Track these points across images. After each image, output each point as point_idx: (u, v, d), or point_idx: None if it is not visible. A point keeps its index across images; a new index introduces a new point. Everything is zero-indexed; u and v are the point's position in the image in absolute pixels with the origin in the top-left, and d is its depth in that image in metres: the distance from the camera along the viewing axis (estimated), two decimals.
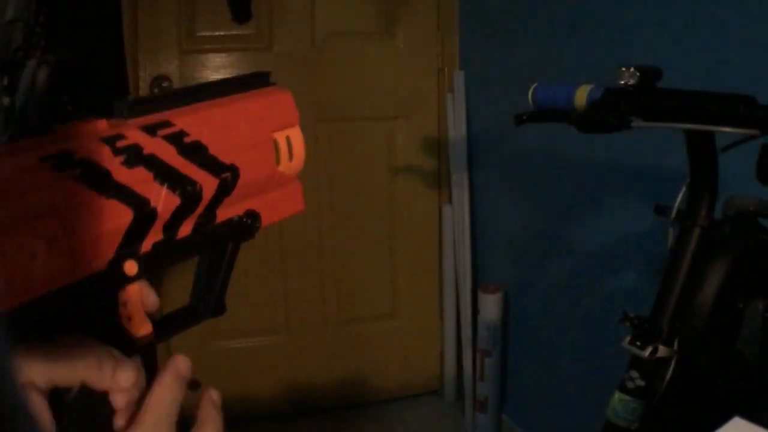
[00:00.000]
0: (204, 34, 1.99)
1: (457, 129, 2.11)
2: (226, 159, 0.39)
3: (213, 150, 0.38)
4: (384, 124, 2.15)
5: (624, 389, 0.85)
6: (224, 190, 0.39)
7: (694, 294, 0.82)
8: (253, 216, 0.42)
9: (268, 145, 0.42)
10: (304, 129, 0.43)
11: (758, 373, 0.79)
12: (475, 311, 2.06)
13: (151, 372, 0.38)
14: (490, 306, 1.95)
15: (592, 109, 0.82)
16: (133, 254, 0.35)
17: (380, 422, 2.20)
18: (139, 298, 0.37)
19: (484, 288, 1.98)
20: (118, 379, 0.35)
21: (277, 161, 0.43)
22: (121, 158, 0.33)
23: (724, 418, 0.53)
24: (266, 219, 0.43)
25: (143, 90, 1.94)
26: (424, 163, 2.21)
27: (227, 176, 0.38)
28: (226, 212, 0.40)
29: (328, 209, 2.15)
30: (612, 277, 1.49)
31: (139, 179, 0.34)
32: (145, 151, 0.34)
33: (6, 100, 1.29)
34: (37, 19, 1.32)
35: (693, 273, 0.83)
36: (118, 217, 0.33)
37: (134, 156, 0.34)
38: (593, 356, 1.57)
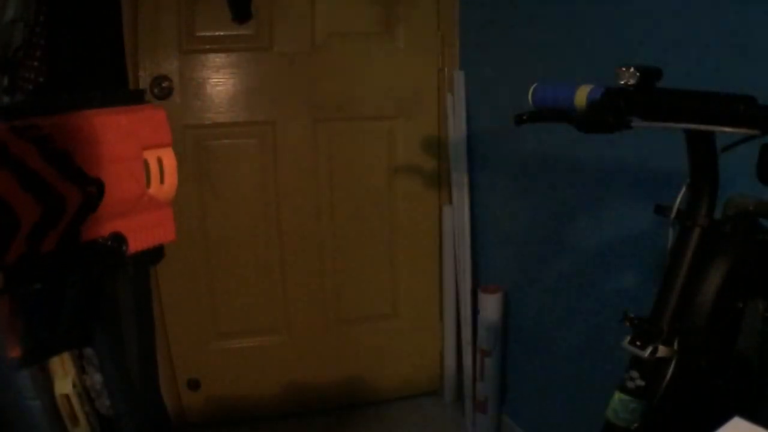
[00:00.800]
0: (204, 34, 1.99)
1: (457, 129, 2.11)
2: (92, 171, 0.37)
3: (79, 160, 0.36)
4: (384, 123, 2.15)
5: (624, 389, 0.85)
6: (89, 205, 0.37)
7: (694, 294, 0.82)
8: (118, 239, 0.40)
9: (137, 162, 0.40)
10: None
11: (758, 373, 0.79)
12: (475, 311, 2.06)
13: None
14: (490, 306, 1.95)
15: (592, 109, 0.82)
16: None
17: (380, 422, 2.20)
18: (8, 321, 0.36)
19: (484, 288, 1.98)
20: None
21: (147, 183, 0.42)
22: None
23: (724, 418, 0.53)
24: (133, 244, 0.41)
25: None
26: (424, 163, 2.21)
27: (92, 190, 0.37)
28: (91, 231, 0.38)
29: (328, 209, 2.15)
30: (612, 277, 1.49)
31: (3, 182, 0.33)
32: (11, 151, 0.33)
33: (6, 100, 1.29)
34: (37, 19, 1.32)
35: (693, 273, 0.83)
36: None
37: (1, 156, 0.33)
38: (593, 356, 1.57)
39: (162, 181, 0.42)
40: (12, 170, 0.33)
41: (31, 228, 0.34)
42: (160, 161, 0.42)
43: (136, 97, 0.42)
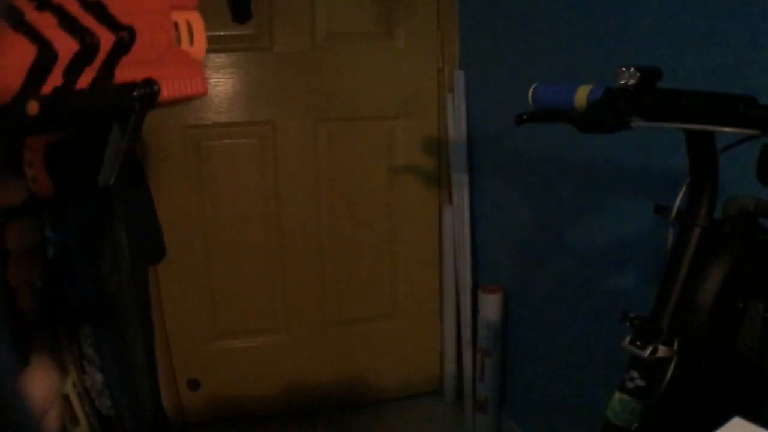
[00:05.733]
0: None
1: (457, 129, 2.11)
2: (124, 20, 0.41)
3: (112, 9, 0.40)
4: (384, 123, 2.15)
5: (624, 389, 0.85)
6: (121, 48, 0.41)
7: (694, 294, 0.82)
8: (151, 84, 0.44)
9: (166, 16, 0.45)
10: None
11: (758, 373, 0.79)
12: (475, 311, 2.06)
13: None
14: (490, 306, 1.95)
15: (592, 109, 0.82)
16: (35, 93, 0.37)
17: (380, 422, 2.20)
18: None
19: (484, 288, 1.98)
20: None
21: (178, 41, 0.46)
22: (33, 3, 0.36)
23: (724, 418, 0.53)
24: (165, 91, 0.45)
25: None
26: (424, 163, 2.21)
27: (124, 35, 0.41)
28: (124, 74, 0.42)
29: (328, 209, 2.16)
30: (612, 277, 1.49)
31: (45, 22, 0.36)
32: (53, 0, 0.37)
33: None
34: None
35: (693, 273, 0.82)
36: (23, 53, 0.36)
37: (43, 1, 0.37)
38: (593, 356, 1.57)
39: (191, 42, 0.47)
40: (53, 13, 0.37)
41: (68, 62, 0.37)
42: (189, 25, 0.47)
43: None
